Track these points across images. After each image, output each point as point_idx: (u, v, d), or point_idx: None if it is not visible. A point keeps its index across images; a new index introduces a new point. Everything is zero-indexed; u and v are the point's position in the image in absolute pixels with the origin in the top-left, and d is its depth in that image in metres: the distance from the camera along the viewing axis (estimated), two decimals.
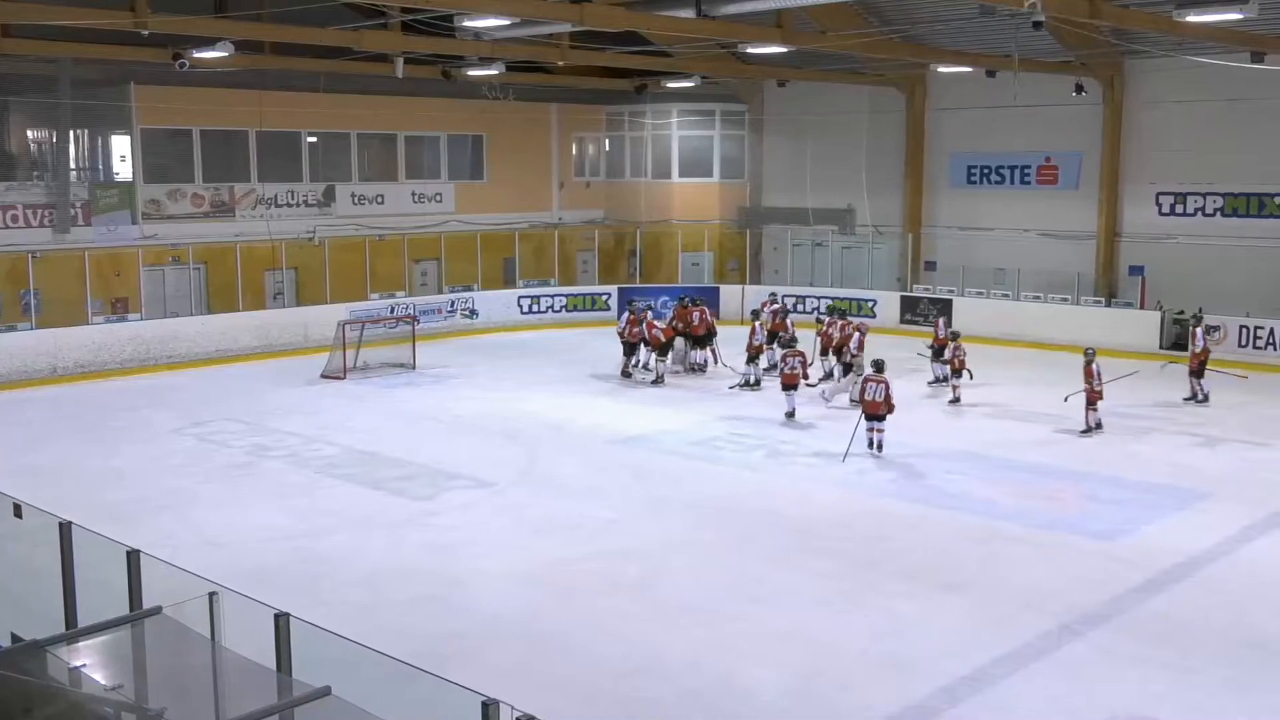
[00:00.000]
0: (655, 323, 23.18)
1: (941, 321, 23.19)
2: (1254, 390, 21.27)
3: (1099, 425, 18.47)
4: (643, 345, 23.38)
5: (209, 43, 20.20)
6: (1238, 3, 16.35)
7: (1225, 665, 10.18)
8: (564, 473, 16.54)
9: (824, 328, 23.18)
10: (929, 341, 22.76)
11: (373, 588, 12.06)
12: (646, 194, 33.77)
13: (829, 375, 22.37)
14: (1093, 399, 18.37)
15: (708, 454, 17.56)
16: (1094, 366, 18.40)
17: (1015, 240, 28.87)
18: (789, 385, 19.63)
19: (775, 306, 24.84)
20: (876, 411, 17.30)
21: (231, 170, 27.77)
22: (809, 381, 20.92)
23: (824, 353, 22.83)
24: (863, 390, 17.68)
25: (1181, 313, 25.37)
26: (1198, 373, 20.81)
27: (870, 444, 17.34)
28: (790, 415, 19.54)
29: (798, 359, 19.82)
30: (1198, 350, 20.86)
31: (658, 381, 22.73)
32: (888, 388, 17.37)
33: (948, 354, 21.22)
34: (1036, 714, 9.36)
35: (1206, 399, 20.68)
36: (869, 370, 17.94)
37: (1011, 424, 19.05)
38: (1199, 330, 21.01)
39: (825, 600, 11.74)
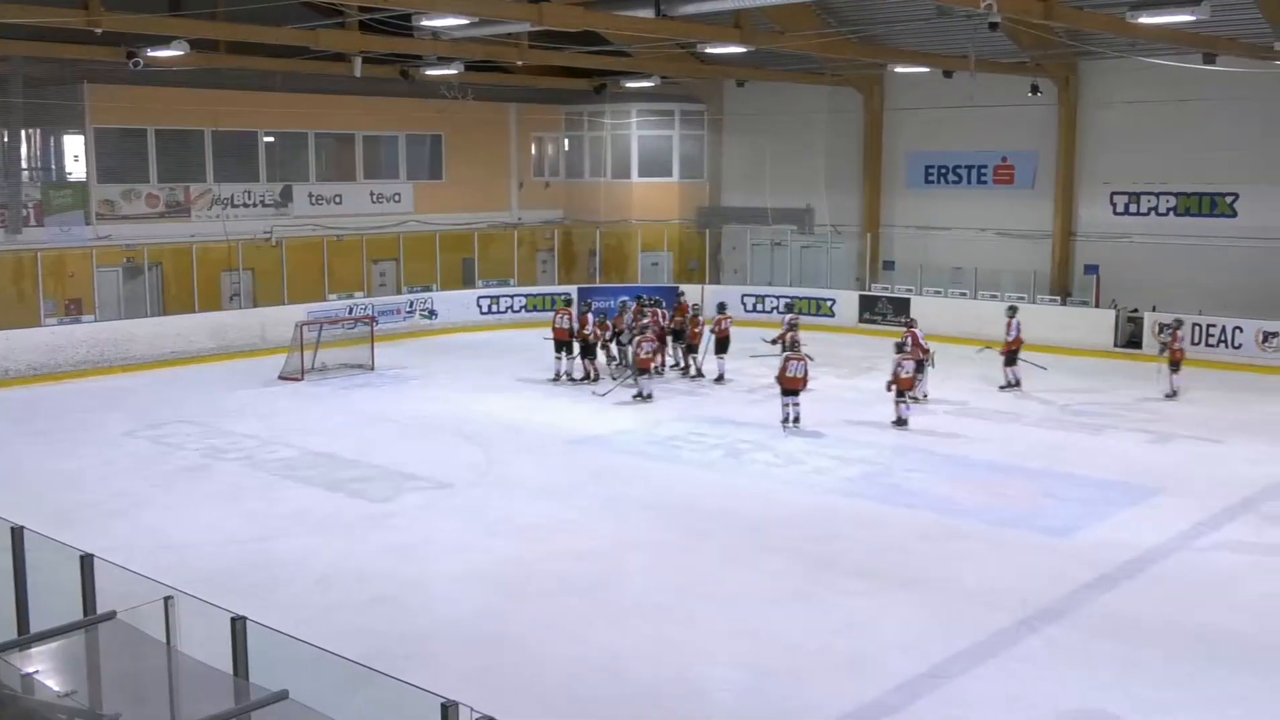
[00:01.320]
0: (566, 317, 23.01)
1: (787, 318, 23.46)
2: (1207, 387, 21.55)
3: (904, 421, 18.89)
4: (600, 344, 23.42)
5: (163, 41, 20.01)
6: (1190, 5, 16.52)
7: (1173, 660, 10.34)
8: (522, 473, 16.53)
9: (718, 325, 23.07)
10: (774, 334, 22.84)
11: (330, 590, 12.00)
12: (606, 194, 33.79)
13: (682, 367, 23.33)
14: (901, 388, 18.91)
15: (666, 453, 17.60)
16: (894, 360, 19.05)
17: (972, 239, 29.10)
18: (643, 370, 21.14)
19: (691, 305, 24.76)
20: (795, 387, 18.83)
21: (187, 170, 27.50)
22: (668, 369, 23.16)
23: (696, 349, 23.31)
24: (784, 368, 18.69)
25: (1135, 310, 25.71)
26: (1009, 360, 21.80)
27: (787, 418, 18.65)
28: (646, 397, 20.89)
29: (651, 344, 21.28)
30: (1010, 339, 21.81)
31: (557, 379, 22.86)
32: (807, 366, 18.99)
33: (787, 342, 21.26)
34: (992, 710, 9.46)
35: (1018, 384, 21.69)
36: (789, 350, 19.20)
37: (968, 421, 19.21)
38: (1013, 320, 21.81)
39: (782, 598, 11.81)
